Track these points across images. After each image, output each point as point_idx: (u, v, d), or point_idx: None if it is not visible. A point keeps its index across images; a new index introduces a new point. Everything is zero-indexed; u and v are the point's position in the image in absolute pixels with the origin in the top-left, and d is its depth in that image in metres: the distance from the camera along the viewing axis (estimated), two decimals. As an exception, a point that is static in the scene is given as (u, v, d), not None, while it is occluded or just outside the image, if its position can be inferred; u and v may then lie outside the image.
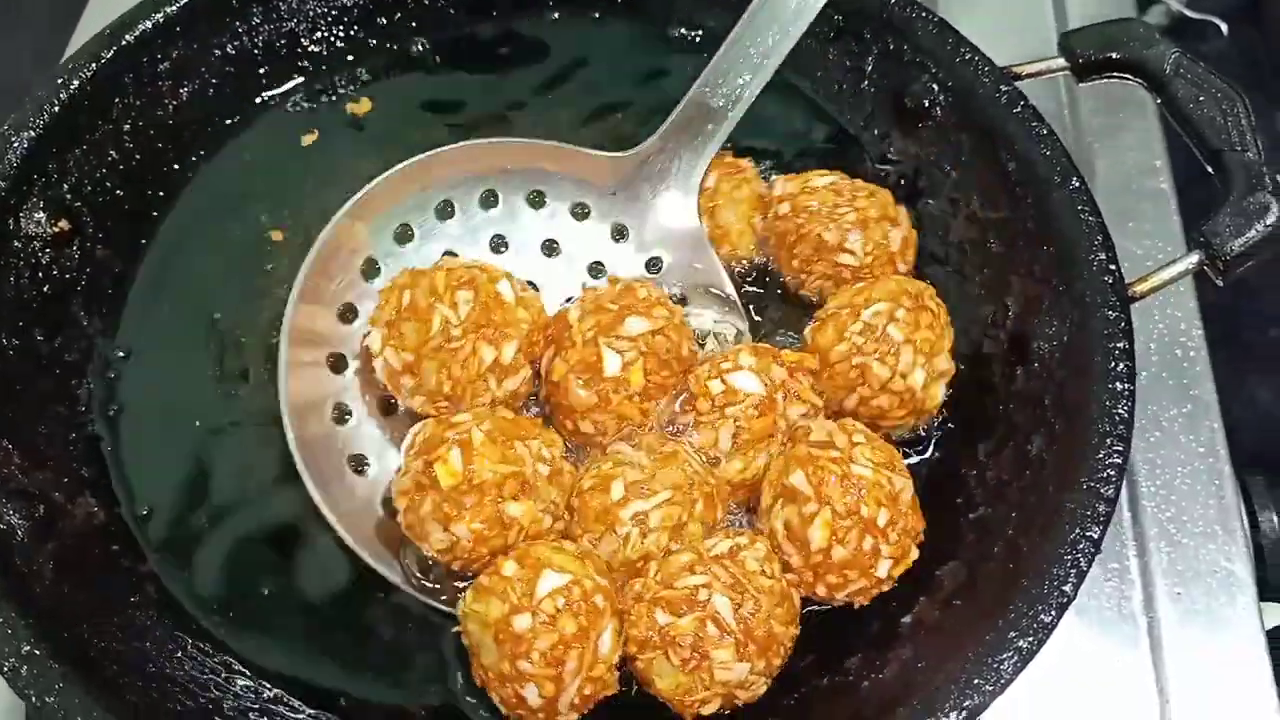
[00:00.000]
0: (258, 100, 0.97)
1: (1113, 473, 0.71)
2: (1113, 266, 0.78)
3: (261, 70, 0.97)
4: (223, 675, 0.75)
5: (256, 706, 0.74)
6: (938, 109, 0.89)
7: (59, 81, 0.86)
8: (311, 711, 0.74)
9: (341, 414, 0.81)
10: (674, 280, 0.87)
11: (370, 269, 0.84)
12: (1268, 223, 0.76)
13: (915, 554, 0.74)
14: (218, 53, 0.94)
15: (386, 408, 0.82)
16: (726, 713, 0.72)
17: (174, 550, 0.80)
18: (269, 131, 0.96)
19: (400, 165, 0.85)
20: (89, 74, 0.87)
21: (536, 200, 0.88)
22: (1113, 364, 0.74)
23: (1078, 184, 0.81)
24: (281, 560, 0.80)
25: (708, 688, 0.69)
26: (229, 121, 0.95)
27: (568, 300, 0.85)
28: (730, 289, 0.86)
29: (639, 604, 0.70)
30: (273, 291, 0.88)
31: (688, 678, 0.69)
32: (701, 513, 0.74)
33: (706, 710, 0.70)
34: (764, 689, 0.71)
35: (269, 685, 0.75)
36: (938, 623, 0.73)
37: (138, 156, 0.91)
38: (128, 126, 0.90)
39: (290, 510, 0.80)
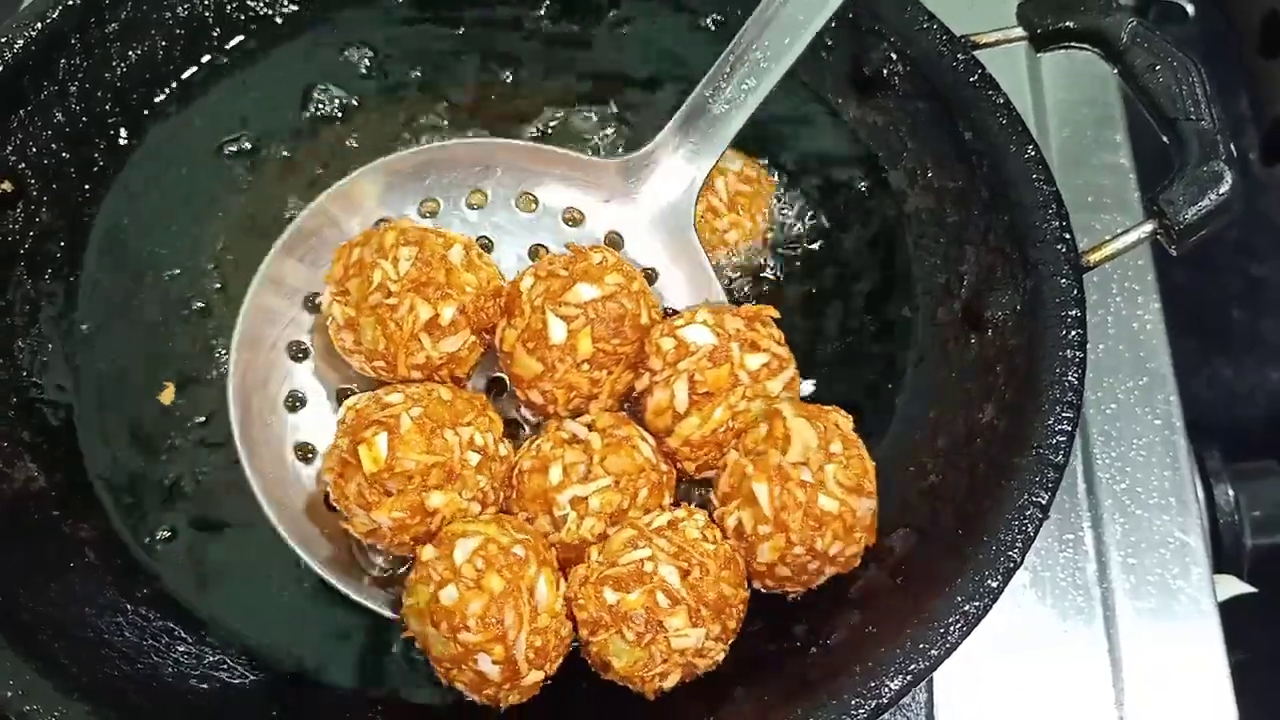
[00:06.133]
0: (205, 59, 0.95)
1: (1062, 439, 0.71)
2: (1067, 235, 0.77)
3: (214, 33, 0.95)
4: (163, 641, 0.74)
5: (197, 673, 0.73)
6: (895, 78, 0.88)
7: (2, 41, 0.84)
8: (254, 676, 0.73)
9: (295, 401, 0.79)
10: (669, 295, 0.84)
11: None
12: (1221, 191, 0.76)
13: (858, 563, 0.73)
14: (168, 15, 0.93)
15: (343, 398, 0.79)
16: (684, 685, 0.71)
17: (123, 518, 0.79)
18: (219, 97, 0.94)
19: (383, 159, 0.82)
20: (33, 34, 0.85)
21: (527, 204, 0.85)
22: (1064, 331, 0.74)
23: (1033, 152, 0.80)
24: (235, 530, 0.79)
25: (665, 659, 0.68)
26: (177, 86, 0.94)
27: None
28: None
29: (585, 586, 0.69)
30: (224, 261, 0.88)
31: (644, 652, 0.68)
32: (645, 500, 0.73)
33: (667, 684, 0.70)
34: (722, 655, 0.71)
35: (210, 651, 0.74)
36: (887, 589, 0.73)
37: (84, 120, 0.89)
38: (74, 89, 0.89)
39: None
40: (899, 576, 0.73)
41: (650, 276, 0.84)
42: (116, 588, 0.76)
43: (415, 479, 0.69)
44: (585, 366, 0.75)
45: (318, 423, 0.79)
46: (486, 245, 0.83)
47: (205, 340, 0.85)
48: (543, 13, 0.98)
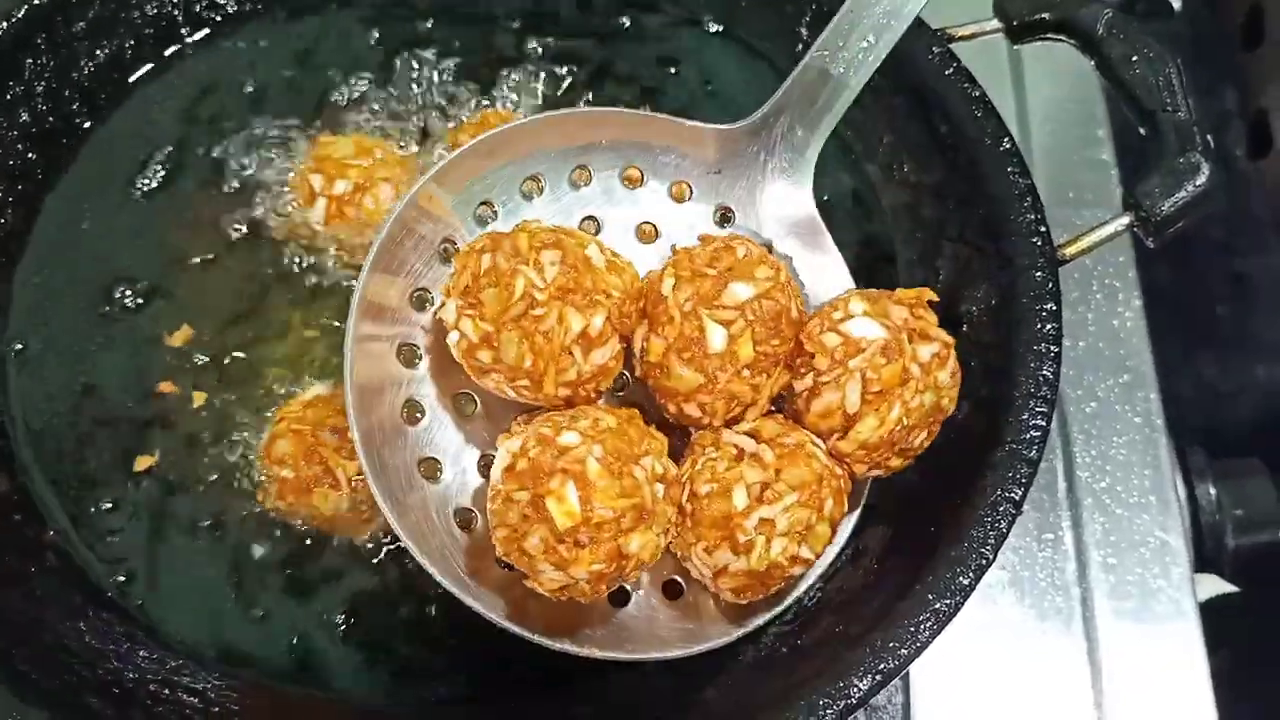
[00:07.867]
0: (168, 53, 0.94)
1: (1036, 434, 0.69)
2: (1042, 228, 0.76)
3: (182, 30, 0.94)
4: (124, 646, 0.73)
5: (159, 678, 0.71)
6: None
7: (-34, 42, 0.84)
8: (215, 681, 0.72)
9: (413, 412, 0.71)
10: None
11: (447, 253, 0.74)
12: (1198, 183, 0.75)
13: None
14: (136, 13, 0.92)
15: (461, 407, 0.73)
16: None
17: (83, 522, 0.78)
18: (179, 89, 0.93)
19: (481, 136, 0.75)
20: (-1, 33, 0.85)
21: (632, 179, 0.78)
22: (1039, 326, 0.73)
23: (1008, 145, 0.79)
24: (189, 537, 0.78)
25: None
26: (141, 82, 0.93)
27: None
28: (850, 283, 0.77)
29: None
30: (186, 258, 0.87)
31: None
32: (831, 510, 0.67)
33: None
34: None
35: (172, 658, 0.73)
36: (858, 588, 0.72)
37: (50, 120, 0.88)
38: (40, 88, 0.88)
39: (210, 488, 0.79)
40: (871, 575, 0.72)
41: None
42: (78, 592, 0.75)
43: (611, 527, 0.63)
44: (746, 373, 0.68)
45: (440, 435, 0.71)
46: (594, 225, 0.78)
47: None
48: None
